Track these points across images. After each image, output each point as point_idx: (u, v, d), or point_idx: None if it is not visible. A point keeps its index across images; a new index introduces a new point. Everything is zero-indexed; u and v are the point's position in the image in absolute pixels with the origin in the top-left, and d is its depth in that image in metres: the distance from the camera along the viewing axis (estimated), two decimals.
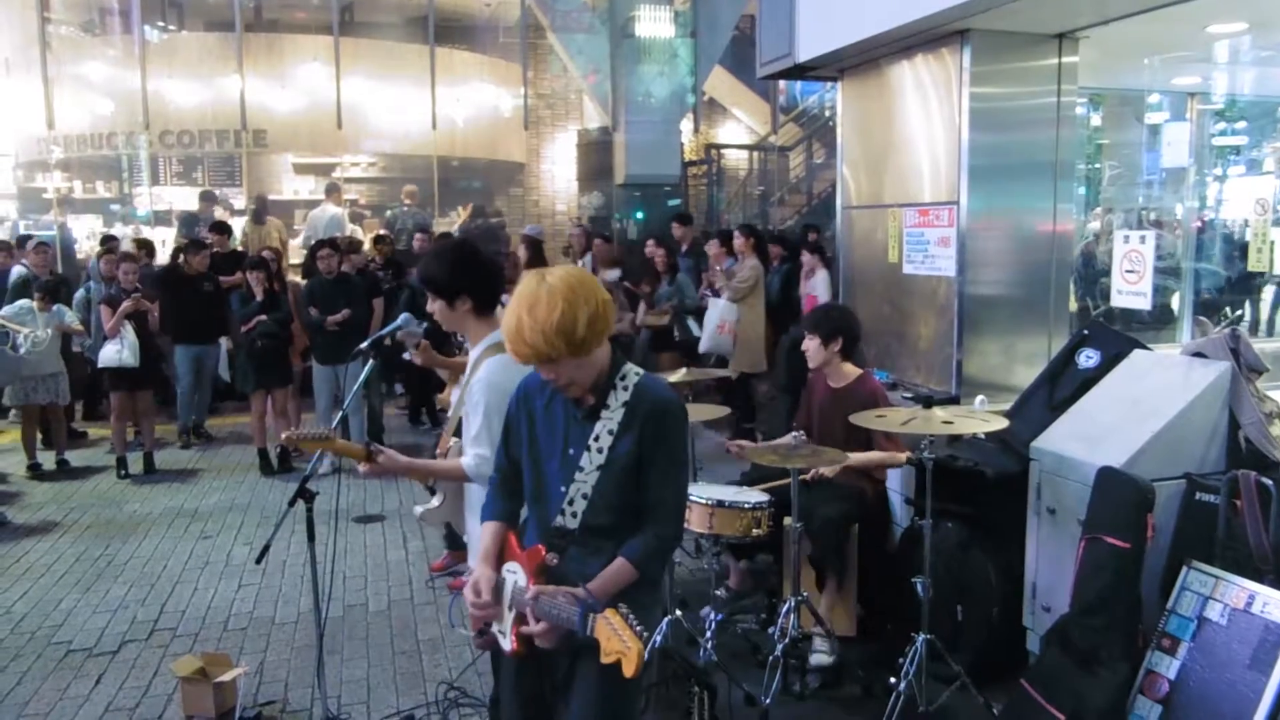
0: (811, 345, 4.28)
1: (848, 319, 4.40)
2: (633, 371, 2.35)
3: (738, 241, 7.73)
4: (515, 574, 2.36)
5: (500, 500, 2.49)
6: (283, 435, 2.93)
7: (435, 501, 3.24)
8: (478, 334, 2.92)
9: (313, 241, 8.53)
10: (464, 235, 11.40)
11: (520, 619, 2.28)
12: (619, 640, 1.99)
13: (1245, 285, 7.89)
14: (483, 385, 2.81)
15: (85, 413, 9.11)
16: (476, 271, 2.86)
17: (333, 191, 11.91)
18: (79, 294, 8.06)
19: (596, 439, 2.30)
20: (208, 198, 11.88)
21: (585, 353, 2.20)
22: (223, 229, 9.06)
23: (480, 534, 2.48)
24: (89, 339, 7.64)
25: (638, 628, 1.99)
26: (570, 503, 2.32)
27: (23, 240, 9.22)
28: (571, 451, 2.32)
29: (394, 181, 13.93)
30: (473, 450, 2.85)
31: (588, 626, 2.07)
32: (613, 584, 2.24)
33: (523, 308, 2.17)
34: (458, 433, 3.05)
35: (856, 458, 4.05)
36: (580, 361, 2.22)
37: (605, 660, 2.01)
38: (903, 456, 4.13)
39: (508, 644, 2.35)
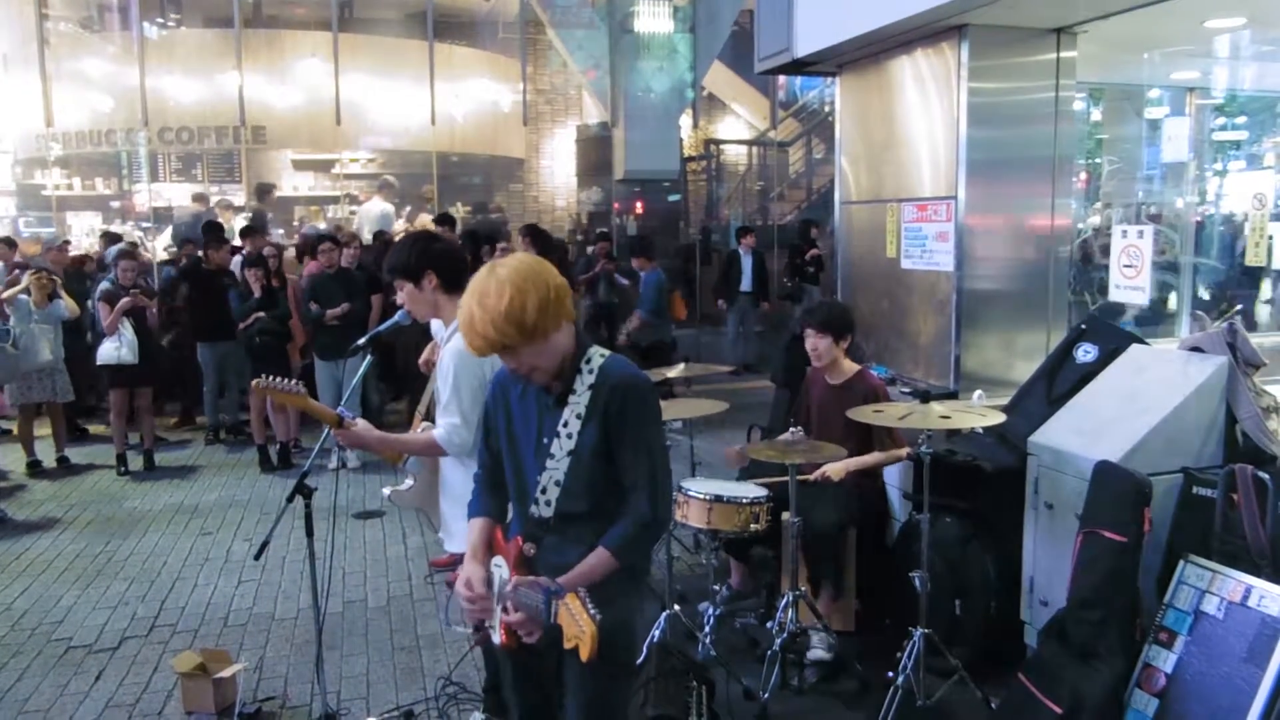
0: (822, 344, 4.20)
1: (850, 316, 4.39)
2: (598, 354, 2.32)
3: (519, 242, 8.04)
4: (500, 568, 2.36)
5: (484, 495, 2.48)
6: (253, 383, 2.95)
7: (406, 484, 3.25)
8: (449, 311, 2.95)
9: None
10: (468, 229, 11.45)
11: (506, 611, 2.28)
12: (575, 625, 1.99)
13: (1246, 280, 7.86)
14: (452, 354, 2.84)
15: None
16: (436, 249, 3.00)
17: (384, 187, 11.87)
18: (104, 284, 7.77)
19: (565, 425, 2.27)
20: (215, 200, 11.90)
21: (540, 338, 2.17)
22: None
23: (453, 519, 2.45)
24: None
25: (592, 610, 1.98)
26: (544, 491, 2.30)
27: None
28: (545, 440, 2.30)
29: (394, 177, 13.92)
30: (443, 419, 2.86)
31: (551, 613, 2.07)
32: (591, 574, 2.21)
33: (474, 300, 2.16)
34: (429, 417, 3.06)
35: (859, 461, 4.05)
36: (538, 347, 2.19)
37: (567, 645, 2.00)
38: (904, 452, 4.13)
39: (498, 637, 2.35)
